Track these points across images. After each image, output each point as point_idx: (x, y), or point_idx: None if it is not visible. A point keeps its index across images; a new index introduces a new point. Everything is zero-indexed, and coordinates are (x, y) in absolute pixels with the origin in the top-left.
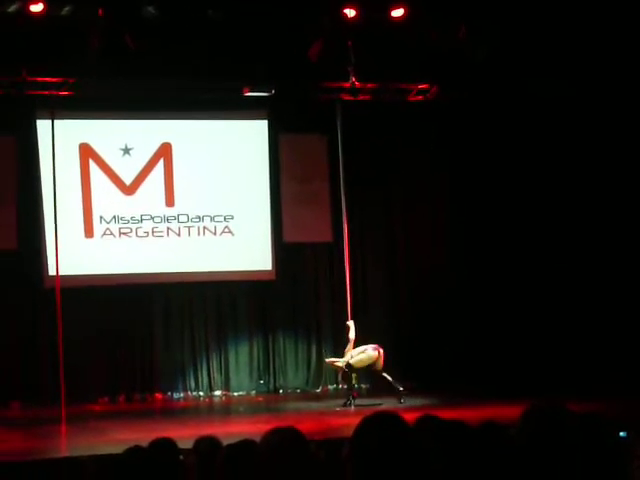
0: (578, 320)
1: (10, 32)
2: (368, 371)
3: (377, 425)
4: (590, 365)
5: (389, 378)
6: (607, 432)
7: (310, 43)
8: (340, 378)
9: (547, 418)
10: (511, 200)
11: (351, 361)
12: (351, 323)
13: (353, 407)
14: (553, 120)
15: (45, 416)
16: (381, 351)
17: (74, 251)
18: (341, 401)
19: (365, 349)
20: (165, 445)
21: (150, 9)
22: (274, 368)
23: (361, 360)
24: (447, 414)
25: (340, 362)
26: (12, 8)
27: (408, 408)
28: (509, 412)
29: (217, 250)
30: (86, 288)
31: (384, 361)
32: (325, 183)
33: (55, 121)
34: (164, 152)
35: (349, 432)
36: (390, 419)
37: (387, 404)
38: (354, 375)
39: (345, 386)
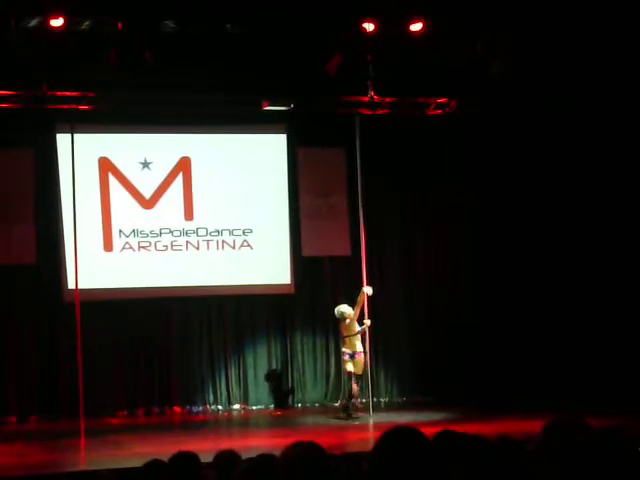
0: (595, 335)
1: (30, 47)
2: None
3: (397, 440)
4: (609, 379)
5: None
6: (628, 447)
7: (329, 57)
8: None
9: (567, 433)
10: (528, 213)
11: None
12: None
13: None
14: (570, 135)
15: (64, 429)
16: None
17: (93, 265)
18: (361, 414)
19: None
20: (187, 459)
21: (169, 23)
22: (293, 382)
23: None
24: (465, 428)
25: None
26: (33, 23)
27: (426, 422)
28: (526, 426)
29: (236, 264)
30: (105, 302)
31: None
32: (343, 197)
33: (75, 135)
34: (183, 166)
35: (368, 446)
36: (410, 434)
37: (405, 419)
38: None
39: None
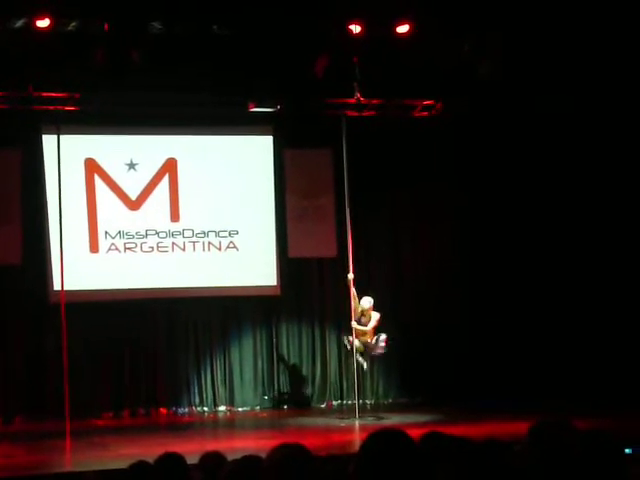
0: (583, 337)
1: (17, 47)
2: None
3: (383, 442)
4: (596, 380)
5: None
6: (612, 448)
7: (315, 59)
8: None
9: (553, 435)
10: (515, 213)
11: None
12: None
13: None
14: (558, 136)
15: (49, 431)
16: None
17: (79, 266)
18: (346, 416)
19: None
20: (173, 460)
21: (156, 24)
22: (279, 384)
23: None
24: (451, 430)
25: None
26: (19, 23)
27: (412, 424)
28: (512, 428)
29: (222, 265)
30: (91, 303)
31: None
32: (330, 198)
33: (61, 136)
34: (169, 167)
35: (354, 448)
36: (395, 436)
37: (391, 420)
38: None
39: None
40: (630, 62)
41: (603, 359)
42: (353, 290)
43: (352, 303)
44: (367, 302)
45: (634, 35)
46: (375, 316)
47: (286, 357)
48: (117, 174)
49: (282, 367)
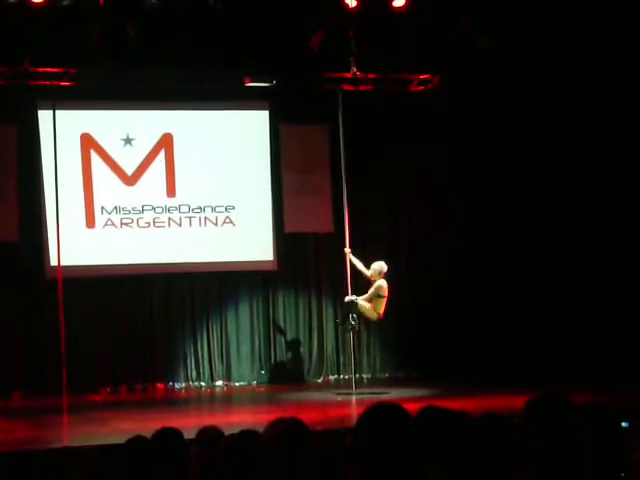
0: (579, 310)
1: (12, 22)
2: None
3: (379, 416)
4: (592, 354)
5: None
6: (609, 422)
7: (311, 33)
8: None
9: (550, 409)
10: (513, 191)
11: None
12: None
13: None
14: (557, 112)
15: (46, 406)
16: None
17: (75, 242)
18: (343, 390)
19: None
20: (170, 435)
21: None
22: (276, 359)
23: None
24: (448, 404)
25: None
26: None
27: (409, 398)
28: (509, 402)
29: (218, 240)
30: (88, 278)
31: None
32: (327, 173)
33: (56, 111)
34: (165, 142)
35: (351, 422)
36: (392, 410)
37: (388, 395)
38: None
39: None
40: (632, 39)
41: (599, 336)
42: (355, 260)
43: (363, 271)
44: (372, 269)
45: (637, 11)
46: (374, 286)
47: (283, 332)
48: (113, 149)
49: (279, 342)
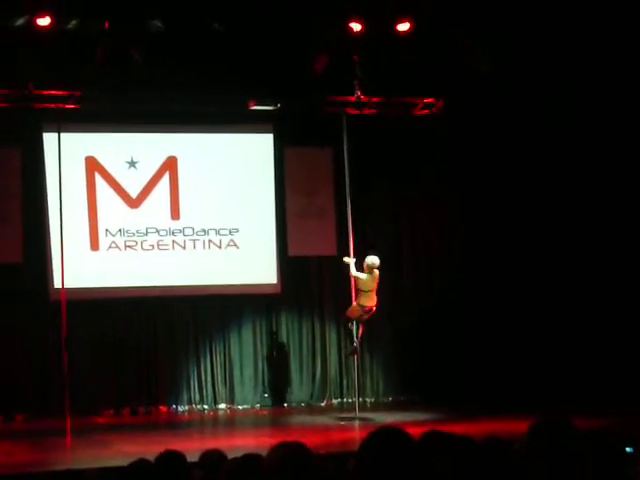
0: (583, 331)
1: (17, 45)
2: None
3: (383, 440)
4: (596, 379)
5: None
6: (613, 447)
7: (315, 57)
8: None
9: (553, 433)
10: (517, 212)
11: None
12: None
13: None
14: (559, 133)
15: (50, 428)
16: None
17: (80, 264)
18: (346, 415)
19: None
20: (174, 458)
21: (156, 22)
22: (279, 382)
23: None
24: (451, 428)
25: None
26: (19, 22)
27: (412, 422)
28: (511, 426)
29: (222, 263)
30: (91, 301)
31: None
32: (330, 197)
33: (61, 134)
34: (170, 165)
35: (354, 446)
36: (395, 434)
37: (391, 419)
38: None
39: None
40: (634, 60)
41: (603, 359)
42: (352, 270)
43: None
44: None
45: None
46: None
47: (286, 355)
48: (118, 172)
49: (282, 365)
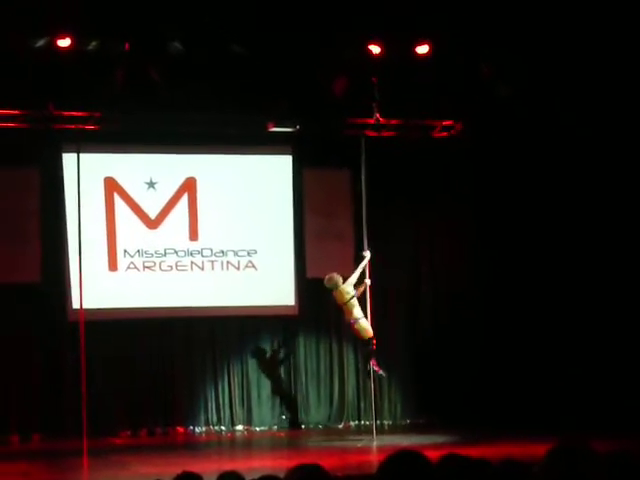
0: (601, 357)
1: (38, 66)
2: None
3: (401, 463)
4: (615, 400)
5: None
6: (633, 472)
7: (335, 79)
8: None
9: (571, 457)
10: (537, 234)
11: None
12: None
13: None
14: (580, 156)
15: (66, 449)
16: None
17: (98, 284)
18: (363, 437)
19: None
20: (191, 479)
21: (176, 44)
22: (296, 404)
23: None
24: (468, 451)
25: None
26: (40, 43)
27: (430, 445)
28: (529, 449)
29: (240, 285)
30: (109, 321)
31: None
32: (349, 218)
33: (81, 155)
34: (188, 186)
35: (371, 469)
36: (413, 457)
37: (408, 441)
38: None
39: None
40: None
41: (623, 381)
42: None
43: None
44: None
45: None
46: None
47: (304, 377)
48: (136, 193)
49: (300, 387)
